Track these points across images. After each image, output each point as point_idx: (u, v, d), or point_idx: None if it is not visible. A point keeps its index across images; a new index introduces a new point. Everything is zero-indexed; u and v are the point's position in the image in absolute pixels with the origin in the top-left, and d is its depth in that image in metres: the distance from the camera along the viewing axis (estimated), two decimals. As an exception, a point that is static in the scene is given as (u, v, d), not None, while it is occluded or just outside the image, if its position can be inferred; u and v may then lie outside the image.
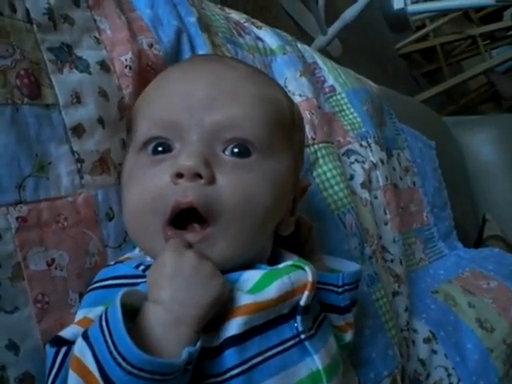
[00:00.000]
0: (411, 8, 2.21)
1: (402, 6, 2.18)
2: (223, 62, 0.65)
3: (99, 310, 0.49)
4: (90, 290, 0.55)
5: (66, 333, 0.49)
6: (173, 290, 0.48)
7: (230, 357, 0.50)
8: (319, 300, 0.64)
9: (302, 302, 0.56)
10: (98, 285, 0.55)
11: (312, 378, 0.54)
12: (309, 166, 0.91)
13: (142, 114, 0.60)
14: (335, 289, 0.67)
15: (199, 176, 0.52)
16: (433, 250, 1.37)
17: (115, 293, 0.47)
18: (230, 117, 0.55)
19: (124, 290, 0.46)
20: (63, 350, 0.48)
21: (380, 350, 0.86)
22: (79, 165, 0.59)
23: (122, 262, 0.57)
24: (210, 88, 0.57)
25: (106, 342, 0.43)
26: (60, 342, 0.49)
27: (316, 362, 0.55)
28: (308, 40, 2.53)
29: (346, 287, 0.68)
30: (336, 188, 0.93)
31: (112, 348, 0.43)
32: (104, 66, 0.65)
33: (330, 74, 1.17)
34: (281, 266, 0.58)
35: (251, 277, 0.55)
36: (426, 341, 1.03)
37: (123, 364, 0.42)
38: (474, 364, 1.05)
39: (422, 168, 1.44)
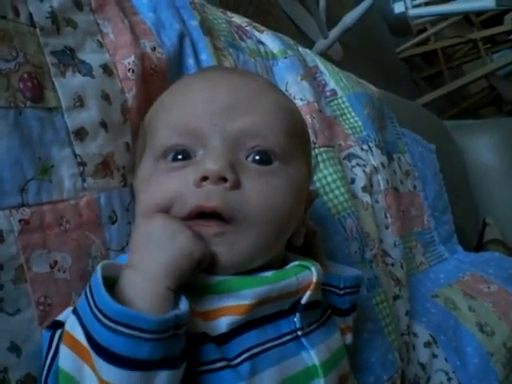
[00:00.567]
0: (412, 12, 2.21)
1: (402, 10, 2.18)
2: (241, 72, 0.68)
3: None
4: None
5: (62, 316, 0.51)
6: (142, 251, 0.49)
7: (237, 343, 0.52)
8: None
9: (303, 301, 0.57)
10: None
11: (308, 371, 0.55)
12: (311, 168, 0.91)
13: (161, 123, 0.60)
14: (337, 291, 0.68)
15: (224, 180, 0.53)
16: (433, 253, 1.37)
17: None
18: (252, 124, 0.56)
19: (104, 261, 0.48)
20: (58, 332, 0.49)
21: (379, 354, 0.86)
22: (82, 168, 0.59)
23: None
24: (232, 96, 0.58)
25: (89, 304, 0.45)
26: (56, 325, 0.50)
27: (312, 357, 0.56)
28: (309, 44, 2.53)
29: (347, 290, 0.69)
30: (337, 192, 0.93)
31: (93, 306, 0.44)
32: (107, 69, 0.65)
33: (332, 77, 1.18)
34: (288, 266, 0.60)
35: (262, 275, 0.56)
36: (427, 345, 1.03)
37: (102, 319, 0.43)
38: (475, 368, 1.05)
39: (422, 172, 1.45)
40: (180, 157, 0.56)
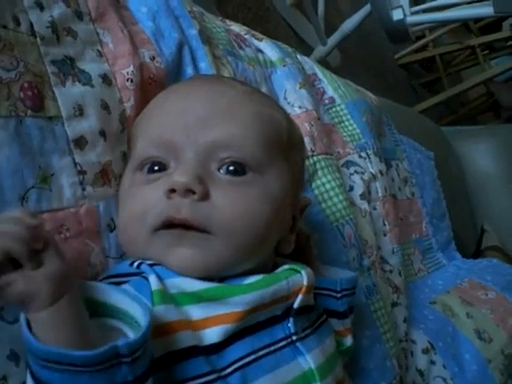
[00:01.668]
0: (410, 19, 2.20)
1: (401, 16, 2.17)
2: (221, 81, 0.67)
3: None
4: None
5: None
6: None
7: (228, 353, 0.52)
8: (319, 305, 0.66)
9: (296, 305, 0.58)
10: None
11: (305, 376, 0.56)
12: (308, 177, 0.91)
13: (140, 132, 0.61)
14: (334, 294, 0.69)
15: (192, 192, 0.53)
16: (431, 260, 1.38)
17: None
18: (224, 136, 0.57)
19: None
20: None
21: (377, 361, 0.86)
22: (81, 176, 0.59)
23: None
24: (206, 107, 0.58)
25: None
26: None
27: (308, 361, 0.56)
28: (308, 50, 2.54)
29: (344, 292, 0.70)
30: (335, 199, 0.93)
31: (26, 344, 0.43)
32: (106, 79, 0.66)
33: (330, 85, 1.18)
34: (278, 270, 0.60)
35: (251, 280, 0.56)
36: (425, 351, 1.04)
37: (33, 357, 0.42)
38: (473, 374, 1.06)
39: (420, 179, 1.46)
40: (156, 168, 0.57)
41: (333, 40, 2.47)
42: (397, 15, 2.19)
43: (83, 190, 0.59)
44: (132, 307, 0.47)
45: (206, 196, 0.54)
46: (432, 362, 1.03)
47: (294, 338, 0.57)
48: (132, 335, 0.46)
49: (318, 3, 2.49)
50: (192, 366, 0.49)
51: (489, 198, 1.94)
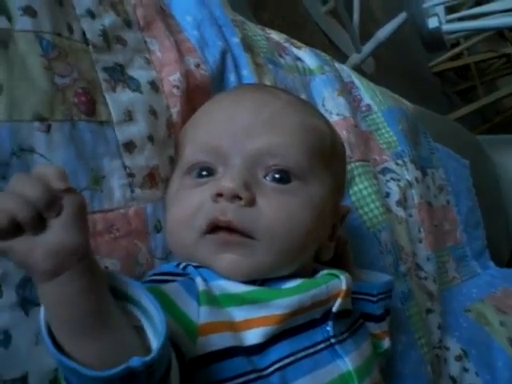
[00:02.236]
0: (446, 27, 2.20)
1: (436, 24, 2.17)
2: (267, 90, 0.68)
3: None
4: None
5: None
6: None
7: (269, 354, 0.54)
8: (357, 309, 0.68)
9: (334, 309, 0.59)
10: (143, 280, 0.57)
11: (343, 378, 0.57)
12: (345, 183, 0.93)
13: (188, 139, 0.64)
14: (371, 298, 0.70)
15: (239, 198, 0.55)
16: (466, 268, 1.37)
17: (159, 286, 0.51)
18: (270, 144, 0.59)
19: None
20: None
21: (412, 366, 0.87)
22: (130, 179, 0.62)
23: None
24: (253, 116, 0.60)
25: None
26: None
27: (347, 363, 0.58)
28: (342, 57, 2.54)
29: (381, 296, 0.71)
30: (372, 206, 0.95)
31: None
32: (154, 85, 0.68)
33: (367, 92, 1.19)
34: (318, 275, 0.62)
35: (291, 285, 0.58)
36: (458, 359, 1.04)
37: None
38: (505, 382, 1.05)
39: (455, 187, 1.45)
40: (204, 173, 0.60)
41: (367, 48, 2.46)
42: (432, 23, 2.19)
43: (132, 191, 0.62)
44: (151, 308, 0.44)
45: (252, 202, 0.56)
46: (465, 370, 1.03)
47: (333, 340, 0.59)
48: (150, 335, 0.44)
49: (352, 11, 2.49)
50: (232, 365, 0.51)
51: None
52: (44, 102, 0.55)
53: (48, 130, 0.55)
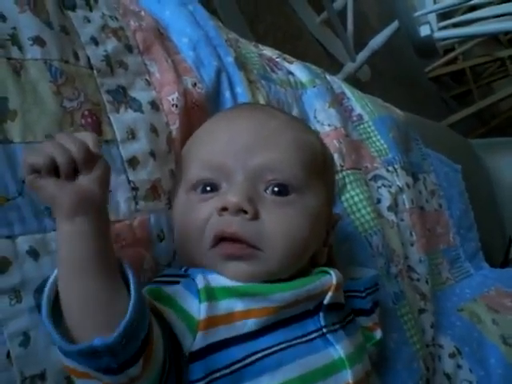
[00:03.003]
0: (438, 34, 2.23)
1: (428, 32, 2.21)
2: (263, 110, 0.74)
3: None
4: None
5: None
6: None
7: (266, 339, 0.59)
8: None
9: (325, 301, 0.65)
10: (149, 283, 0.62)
11: (335, 364, 0.63)
12: (337, 191, 0.98)
13: (192, 157, 0.69)
14: (359, 294, 0.76)
15: (243, 211, 0.61)
16: (459, 269, 1.40)
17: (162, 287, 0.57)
18: (270, 160, 0.64)
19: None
20: None
21: (404, 362, 0.91)
22: (134, 192, 0.67)
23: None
24: (252, 134, 0.65)
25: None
26: None
27: (338, 351, 0.64)
28: (338, 66, 2.59)
29: (368, 291, 0.77)
30: (363, 211, 1.00)
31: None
32: (154, 105, 0.73)
33: (358, 103, 1.24)
34: (312, 273, 0.67)
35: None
36: (452, 356, 1.07)
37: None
38: (498, 378, 1.08)
39: (448, 191, 1.49)
40: (208, 188, 0.65)
41: (362, 56, 2.50)
42: (424, 31, 2.22)
43: (136, 204, 0.67)
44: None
45: (256, 215, 0.62)
46: (459, 366, 1.07)
47: (325, 330, 0.64)
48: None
49: (347, 20, 2.53)
50: (229, 353, 0.57)
51: (517, 208, 1.97)
52: (54, 124, 0.61)
53: (59, 149, 0.60)
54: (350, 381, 0.62)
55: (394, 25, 2.39)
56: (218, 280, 0.60)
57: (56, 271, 0.51)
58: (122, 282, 0.52)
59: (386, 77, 3.23)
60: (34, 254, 0.55)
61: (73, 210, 0.49)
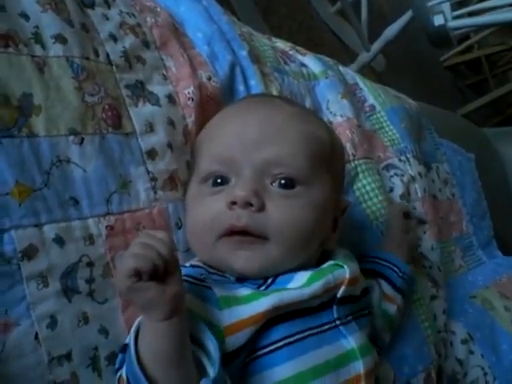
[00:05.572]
0: (451, 24, 2.23)
1: (442, 22, 2.21)
2: (272, 103, 0.76)
3: None
4: None
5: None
6: None
7: (278, 331, 0.61)
8: (380, 271, 0.83)
9: (339, 295, 0.67)
10: None
11: (347, 355, 0.65)
12: (350, 180, 1.00)
13: (204, 149, 0.73)
14: (397, 270, 0.83)
15: (250, 204, 0.64)
16: (472, 257, 1.41)
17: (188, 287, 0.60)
18: (276, 155, 0.67)
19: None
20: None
21: (415, 346, 0.93)
22: (153, 183, 0.70)
23: (192, 266, 0.69)
24: (260, 129, 0.68)
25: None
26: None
27: (350, 342, 0.66)
28: (353, 56, 2.60)
29: (405, 276, 0.84)
30: (375, 200, 1.02)
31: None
32: (171, 99, 0.76)
33: (370, 93, 1.26)
34: (325, 265, 0.70)
35: (301, 277, 0.66)
36: (464, 342, 1.09)
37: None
38: (510, 364, 1.10)
39: (461, 180, 1.50)
40: (219, 181, 0.68)
41: (376, 46, 2.50)
42: (438, 21, 2.22)
43: (155, 193, 0.70)
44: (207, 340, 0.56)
45: (262, 208, 0.65)
46: (471, 352, 1.09)
47: (338, 322, 0.67)
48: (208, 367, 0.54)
49: (361, 10, 2.54)
50: (245, 347, 0.60)
51: (532, 197, 1.97)
52: (76, 118, 0.64)
53: (81, 142, 0.63)
54: (362, 371, 0.65)
55: (408, 14, 2.38)
56: (235, 290, 0.63)
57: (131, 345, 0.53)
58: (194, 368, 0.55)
59: (402, 66, 3.23)
60: (59, 241, 0.58)
61: (172, 311, 0.51)
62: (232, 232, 0.64)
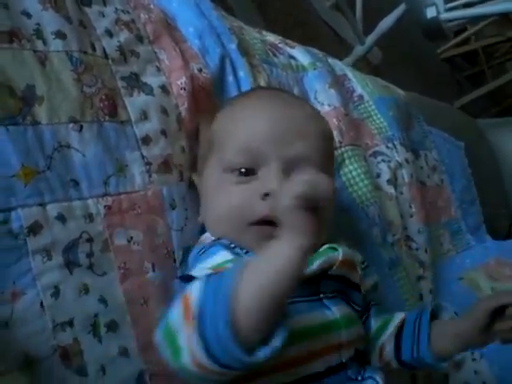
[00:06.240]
0: (444, 16, 2.26)
1: (434, 14, 2.23)
2: (295, 103, 0.82)
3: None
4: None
5: (196, 273, 0.64)
6: None
7: None
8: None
9: (330, 272, 0.72)
10: (203, 250, 0.71)
11: (330, 324, 0.70)
12: (337, 165, 1.05)
13: (230, 139, 0.76)
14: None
15: None
16: (460, 241, 1.46)
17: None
18: (304, 151, 0.73)
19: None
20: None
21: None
22: (148, 167, 0.75)
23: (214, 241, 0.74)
24: (287, 125, 0.74)
25: (215, 316, 0.51)
26: (190, 279, 0.62)
27: (334, 313, 0.70)
28: (348, 49, 2.63)
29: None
30: (361, 184, 1.07)
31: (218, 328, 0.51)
32: (164, 89, 0.82)
33: (359, 83, 1.31)
34: (321, 249, 0.74)
35: None
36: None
37: (223, 345, 0.51)
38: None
39: (449, 167, 1.54)
40: (243, 171, 0.73)
41: (371, 39, 2.52)
42: (430, 13, 2.25)
43: (150, 177, 0.75)
44: None
45: None
46: (456, 329, 1.14)
47: (322, 295, 0.72)
48: None
49: (356, 3, 2.56)
50: None
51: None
52: (76, 107, 0.69)
53: (80, 129, 0.68)
54: (344, 339, 0.70)
55: (402, 7, 2.39)
56: None
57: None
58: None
59: (398, 59, 3.25)
60: (61, 218, 0.63)
61: (313, 246, 0.54)
62: (264, 222, 0.70)
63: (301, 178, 0.54)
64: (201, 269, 0.66)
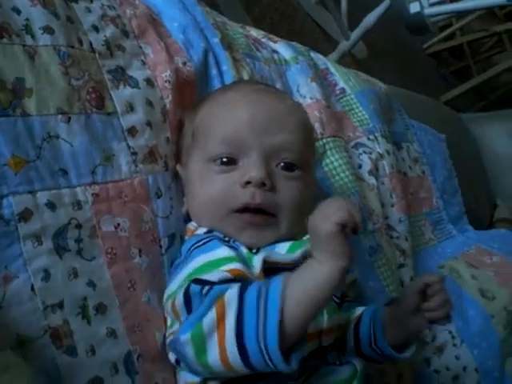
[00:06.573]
0: (428, 11, 2.28)
1: (417, 9, 2.27)
2: (275, 93, 0.87)
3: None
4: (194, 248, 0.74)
5: (212, 276, 0.65)
6: None
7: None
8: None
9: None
10: (200, 243, 0.73)
11: None
12: (318, 156, 1.09)
13: (211, 132, 0.79)
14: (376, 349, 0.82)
15: (263, 184, 0.73)
16: (442, 231, 1.50)
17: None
18: (283, 141, 0.76)
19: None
20: (207, 287, 0.63)
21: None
22: (134, 157, 0.77)
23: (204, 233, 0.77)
24: (269, 116, 0.77)
25: (257, 321, 0.58)
26: (204, 283, 0.64)
27: None
28: (334, 44, 2.66)
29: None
30: (342, 175, 1.10)
31: (261, 336, 0.57)
32: (149, 82, 0.84)
33: (341, 77, 1.35)
34: (305, 238, 0.78)
35: (283, 246, 0.76)
36: (431, 307, 1.18)
37: (264, 351, 0.57)
38: (476, 328, 1.19)
39: (431, 158, 1.58)
40: (225, 160, 0.76)
41: (355, 34, 2.54)
42: (414, 8, 2.29)
43: (136, 166, 0.77)
44: None
45: (273, 188, 0.74)
46: (437, 317, 1.17)
47: None
48: None
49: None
50: None
51: (505, 177, 2.06)
52: (64, 99, 0.71)
53: (68, 121, 0.71)
54: (324, 326, 0.73)
55: (387, 2, 2.44)
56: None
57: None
58: None
59: (385, 54, 3.27)
60: (51, 206, 0.66)
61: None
62: (245, 209, 0.73)
63: (338, 204, 0.60)
64: (207, 267, 0.69)
